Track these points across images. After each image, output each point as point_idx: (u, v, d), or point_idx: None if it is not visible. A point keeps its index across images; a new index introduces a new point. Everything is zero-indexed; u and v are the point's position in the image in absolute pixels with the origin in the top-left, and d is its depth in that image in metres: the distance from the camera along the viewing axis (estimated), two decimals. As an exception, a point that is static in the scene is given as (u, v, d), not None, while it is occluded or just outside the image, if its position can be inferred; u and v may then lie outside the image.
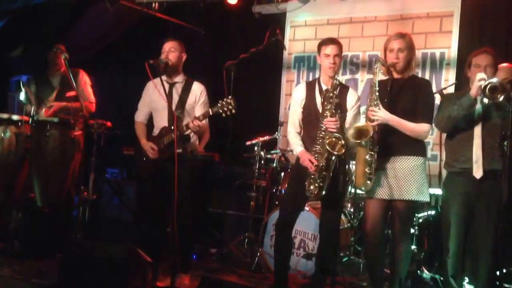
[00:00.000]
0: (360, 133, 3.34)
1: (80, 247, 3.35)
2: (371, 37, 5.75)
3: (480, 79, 3.24)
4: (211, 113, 3.67)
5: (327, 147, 3.39)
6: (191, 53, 4.07)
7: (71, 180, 4.70)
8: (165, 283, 3.69)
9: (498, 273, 3.43)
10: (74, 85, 4.41)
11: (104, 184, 6.32)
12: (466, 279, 3.63)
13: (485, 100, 3.30)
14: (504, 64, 3.93)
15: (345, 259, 4.55)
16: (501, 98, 3.15)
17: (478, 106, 3.38)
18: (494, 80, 3.17)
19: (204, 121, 3.80)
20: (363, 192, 3.60)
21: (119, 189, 6.27)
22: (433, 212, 4.49)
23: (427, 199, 3.45)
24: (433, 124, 3.55)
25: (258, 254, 4.56)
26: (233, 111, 3.59)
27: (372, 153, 3.34)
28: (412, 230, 4.31)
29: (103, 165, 6.25)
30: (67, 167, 4.65)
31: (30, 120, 4.54)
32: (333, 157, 3.42)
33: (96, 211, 6.31)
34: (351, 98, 3.64)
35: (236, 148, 5.10)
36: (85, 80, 4.85)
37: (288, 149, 4.85)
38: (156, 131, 3.94)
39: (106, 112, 5.16)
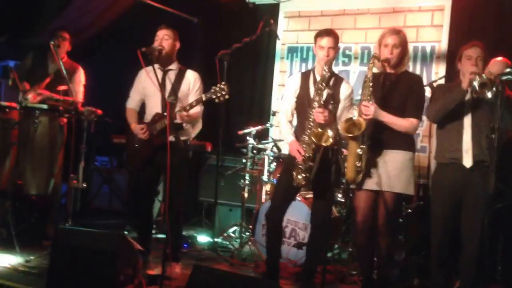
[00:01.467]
0: (353, 126, 3.36)
1: (70, 235, 3.33)
2: (364, 29, 5.77)
3: (472, 72, 3.27)
4: (204, 99, 3.66)
5: (313, 138, 3.42)
6: (184, 42, 4.05)
7: (60, 168, 4.67)
8: (156, 271, 3.69)
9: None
10: (68, 80, 4.36)
11: (93, 172, 6.29)
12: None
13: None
14: (499, 58, 3.95)
15: (335, 248, 4.58)
16: (489, 94, 3.18)
17: (468, 97, 3.41)
18: (484, 77, 3.19)
19: (198, 109, 3.79)
20: (354, 183, 3.63)
21: (109, 177, 6.25)
22: (421, 203, 4.54)
23: (412, 192, 3.53)
24: (424, 115, 3.58)
25: (250, 243, 4.57)
26: (227, 96, 3.58)
27: (363, 146, 3.37)
28: (401, 220, 4.36)
29: (92, 153, 6.21)
30: (55, 155, 4.61)
31: (19, 106, 4.49)
32: (320, 149, 3.44)
33: (85, 200, 6.30)
34: (345, 89, 3.65)
35: (228, 137, 5.10)
36: (80, 78, 4.80)
37: (280, 138, 4.86)
38: (148, 118, 3.92)
39: (96, 99, 5.12)
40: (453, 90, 3.39)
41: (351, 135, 3.36)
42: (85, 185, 4.85)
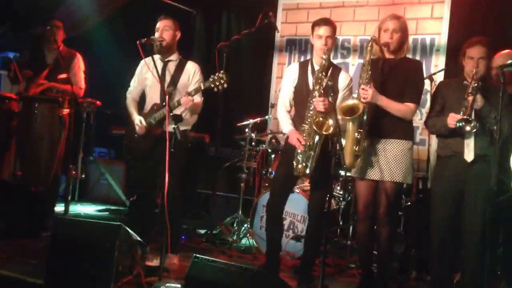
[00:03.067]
0: (350, 110, 3.37)
1: (69, 226, 3.33)
2: (363, 21, 5.75)
3: (455, 120, 3.26)
4: (203, 88, 3.64)
5: (314, 127, 3.42)
6: (183, 34, 4.03)
7: (59, 159, 4.66)
8: (154, 263, 3.69)
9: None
10: (67, 67, 4.34)
11: (92, 163, 6.29)
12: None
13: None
14: (504, 51, 3.95)
15: (333, 240, 4.59)
16: (468, 130, 3.22)
17: (471, 90, 3.39)
18: (463, 123, 3.22)
19: (199, 99, 3.77)
20: (353, 174, 3.63)
21: (108, 168, 6.25)
22: (421, 195, 4.54)
23: (411, 181, 3.57)
24: (425, 114, 3.59)
25: (248, 235, 4.58)
26: (225, 85, 3.57)
27: (361, 130, 3.37)
28: (400, 213, 4.36)
29: (91, 144, 6.21)
30: (55, 146, 4.60)
31: (19, 97, 4.47)
32: (321, 137, 3.45)
33: (84, 191, 6.30)
34: (343, 79, 3.65)
35: (226, 129, 5.09)
36: (79, 64, 4.77)
37: (278, 130, 4.85)
38: (147, 108, 3.90)
39: (96, 91, 5.10)
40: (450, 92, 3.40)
41: (348, 117, 3.36)
42: (83, 176, 4.86)
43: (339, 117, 3.39)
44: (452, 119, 3.29)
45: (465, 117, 3.23)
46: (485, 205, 3.23)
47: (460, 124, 3.23)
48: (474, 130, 3.23)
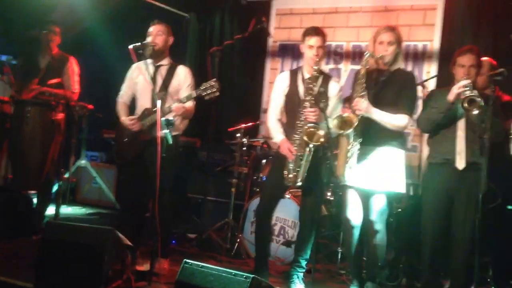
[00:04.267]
0: (344, 123, 3.37)
1: (59, 229, 3.31)
2: (356, 27, 5.77)
3: (461, 86, 3.28)
4: (194, 95, 3.65)
5: (305, 138, 3.43)
6: (175, 38, 4.04)
7: (50, 163, 4.65)
8: (145, 267, 3.68)
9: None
10: (61, 71, 4.33)
11: (83, 167, 6.27)
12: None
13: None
14: (484, 58, 3.98)
15: (324, 246, 4.59)
16: (476, 112, 3.20)
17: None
18: (474, 94, 3.21)
19: (190, 104, 3.78)
20: (345, 181, 3.64)
21: (99, 172, 6.23)
22: (412, 202, 4.55)
23: (403, 190, 3.52)
24: (416, 124, 3.60)
25: (238, 240, 4.58)
26: (217, 93, 3.58)
27: (354, 143, 3.37)
28: (391, 220, 4.37)
29: (83, 148, 6.19)
30: (47, 149, 4.59)
31: (11, 100, 4.46)
32: (311, 147, 3.45)
33: (75, 194, 6.28)
34: (333, 87, 3.66)
35: (218, 134, 5.09)
36: (73, 68, 4.75)
37: (271, 136, 4.86)
38: (138, 113, 3.90)
39: (88, 94, 5.09)
40: (441, 101, 3.41)
41: (342, 131, 3.36)
42: (74, 180, 4.84)
43: (333, 130, 3.40)
44: (456, 87, 3.26)
45: (470, 90, 3.18)
46: (474, 213, 3.24)
47: (466, 97, 3.18)
48: (478, 111, 3.17)
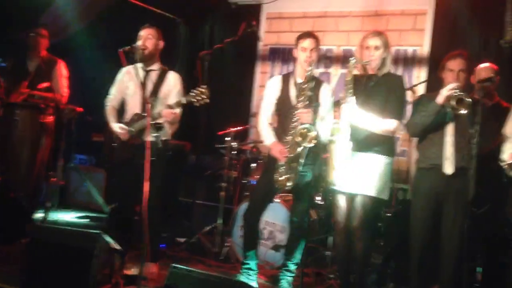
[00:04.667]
0: (335, 129, 3.39)
1: (48, 233, 3.29)
2: (346, 31, 5.79)
3: (450, 88, 3.30)
4: (184, 102, 3.65)
5: (298, 139, 3.43)
6: (166, 42, 4.03)
7: (39, 166, 4.62)
8: (133, 271, 3.67)
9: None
10: (50, 74, 4.32)
11: (72, 170, 6.23)
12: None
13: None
14: (486, 64, 4.00)
15: (313, 250, 4.60)
16: (463, 112, 3.22)
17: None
18: (463, 93, 3.23)
19: (177, 110, 3.77)
20: (333, 186, 3.65)
21: (88, 175, 6.19)
22: (400, 207, 4.57)
23: (386, 197, 3.53)
24: (405, 128, 3.62)
25: (227, 244, 4.57)
26: (207, 100, 3.58)
27: (344, 148, 3.38)
28: (380, 224, 4.39)
29: (72, 151, 6.14)
30: (36, 152, 4.56)
31: (0, 103, 4.44)
32: (304, 149, 3.46)
33: (63, 198, 6.23)
34: (325, 92, 3.67)
35: (208, 138, 5.09)
36: (61, 71, 4.73)
37: (260, 140, 4.86)
38: (127, 117, 3.89)
39: (77, 97, 5.07)
40: (429, 104, 3.43)
41: (332, 137, 3.37)
42: (63, 183, 4.81)
43: (324, 135, 3.41)
44: (445, 89, 3.28)
45: (458, 92, 3.21)
46: (463, 218, 3.26)
47: (455, 96, 3.20)
48: (466, 111, 3.20)
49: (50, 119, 4.59)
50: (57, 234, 3.24)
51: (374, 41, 3.45)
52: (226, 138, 4.93)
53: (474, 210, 3.26)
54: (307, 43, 3.58)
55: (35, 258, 3.16)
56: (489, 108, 3.66)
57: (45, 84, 4.47)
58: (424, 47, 5.44)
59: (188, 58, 6.32)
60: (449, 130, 3.45)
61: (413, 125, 3.54)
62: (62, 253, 3.11)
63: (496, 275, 3.83)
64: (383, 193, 3.48)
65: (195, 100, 3.58)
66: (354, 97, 3.38)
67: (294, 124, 3.52)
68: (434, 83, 4.18)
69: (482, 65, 3.99)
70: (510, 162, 3.29)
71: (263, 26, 6.21)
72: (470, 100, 3.20)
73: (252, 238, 3.76)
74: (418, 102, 3.71)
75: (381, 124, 3.42)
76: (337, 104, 3.76)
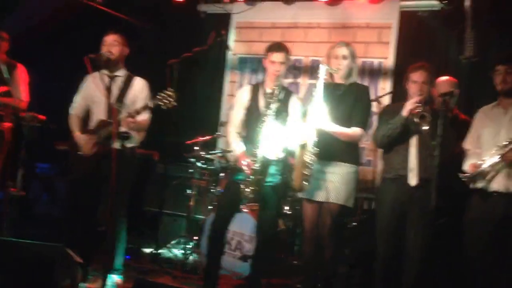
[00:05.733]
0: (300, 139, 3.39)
1: (6, 246, 3.18)
2: (314, 43, 5.85)
3: (413, 102, 3.38)
4: (150, 106, 3.60)
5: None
6: (133, 49, 3.98)
7: (-2, 175, 4.46)
8: (96, 285, 3.57)
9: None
10: (9, 79, 4.19)
11: (33, 179, 6.05)
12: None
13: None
14: (445, 77, 4.09)
15: (280, 260, 4.58)
16: (425, 128, 3.31)
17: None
18: (426, 111, 3.33)
19: (146, 116, 3.71)
20: (301, 195, 3.66)
21: (50, 185, 6.03)
22: (366, 216, 4.61)
23: (351, 205, 3.58)
24: (372, 139, 3.68)
25: (195, 255, 4.51)
26: (174, 103, 3.53)
27: (310, 155, 3.39)
28: (345, 233, 4.41)
29: (33, 159, 5.98)
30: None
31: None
32: (269, 162, 3.46)
33: (23, 208, 6.04)
34: (294, 103, 3.69)
35: (176, 147, 5.04)
36: (22, 76, 4.59)
37: (228, 149, 4.84)
38: (93, 125, 3.81)
39: (39, 105, 4.94)
40: (395, 117, 3.49)
41: (299, 145, 3.38)
42: (23, 193, 4.66)
43: (292, 144, 3.42)
44: (409, 103, 3.37)
45: (422, 107, 3.30)
46: (427, 228, 3.31)
47: (418, 113, 3.29)
48: (428, 127, 3.29)
49: (7, 125, 4.43)
50: (16, 247, 3.14)
51: (342, 51, 3.52)
52: (195, 147, 4.89)
53: (436, 220, 3.32)
54: (276, 56, 3.60)
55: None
56: (448, 119, 3.75)
57: (3, 89, 4.33)
58: (389, 60, 5.53)
59: (156, 66, 6.25)
60: (413, 142, 3.53)
61: (380, 137, 3.61)
62: (21, 266, 3.00)
63: (456, 282, 3.90)
64: (348, 201, 3.52)
65: (162, 103, 3.53)
66: (322, 104, 3.40)
67: (262, 136, 3.51)
68: (399, 95, 4.25)
69: (442, 78, 4.09)
70: (470, 174, 3.37)
71: (233, 35, 6.20)
72: (430, 116, 3.29)
73: (217, 248, 3.73)
74: (383, 113, 3.78)
75: (346, 132, 3.46)
76: (305, 113, 3.78)
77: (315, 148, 3.39)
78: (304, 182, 3.42)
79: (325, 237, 3.51)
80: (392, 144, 3.57)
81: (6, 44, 4.59)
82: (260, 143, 3.51)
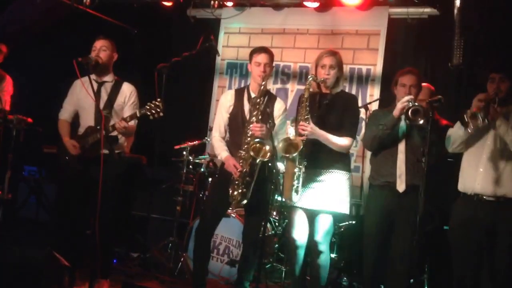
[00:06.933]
0: (290, 147, 3.40)
1: (-8, 250, 3.16)
2: (303, 49, 5.88)
3: (404, 101, 3.41)
4: (138, 115, 3.60)
5: (251, 153, 3.44)
6: (122, 53, 3.98)
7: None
8: (83, 288, 3.56)
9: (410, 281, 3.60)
10: None
11: (20, 182, 6.00)
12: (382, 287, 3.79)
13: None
14: (424, 84, 4.14)
15: (268, 266, 4.59)
16: (421, 122, 3.32)
17: (403, 124, 3.55)
18: (417, 104, 3.35)
19: (132, 123, 3.72)
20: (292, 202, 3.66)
21: (37, 188, 5.98)
22: (354, 222, 4.64)
23: (347, 211, 3.57)
24: (360, 141, 3.69)
25: (182, 259, 4.50)
26: (161, 114, 3.54)
27: (300, 166, 3.41)
28: (333, 239, 4.44)
29: (21, 162, 5.93)
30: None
31: None
32: (258, 163, 3.48)
33: (10, 211, 5.99)
34: (278, 107, 3.72)
35: (164, 151, 5.03)
36: (8, 88, 4.60)
37: (216, 154, 4.85)
38: (81, 130, 3.80)
39: (27, 108, 4.91)
40: (386, 118, 3.52)
41: (288, 155, 3.39)
42: (10, 196, 4.63)
43: (279, 153, 3.42)
44: (400, 103, 3.39)
45: (412, 103, 3.31)
46: (412, 235, 3.33)
47: (411, 108, 3.30)
48: (423, 121, 3.29)
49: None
50: (3, 251, 3.11)
51: (329, 60, 3.53)
52: (183, 152, 4.89)
53: (423, 227, 3.34)
54: (261, 57, 3.61)
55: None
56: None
57: None
58: (377, 66, 5.57)
59: (145, 71, 6.25)
60: (401, 148, 3.56)
61: (371, 139, 3.62)
62: (9, 270, 2.98)
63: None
64: (343, 208, 3.52)
65: (150, 114, 3.54)
66: (309, 115, 3.42)
67: (248, 139, 3.52)
68: (387, 101, 4.29)
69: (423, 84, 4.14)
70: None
71: (222, 40, 6.22)
72: (424, 109, 3.29)
73: (204, 252, 3.73)
74: (373, 116, 3.80)
75: (336, 141, 3.48)
76: (294, 120, 3.80)
77: (304, 160, 3.39)
78: (294, 193, 3.42)
79: (315, 245, 3.50)
80: (382, 148, 3.59)
81: (1, 57, 4.60)
82: (246, 146, 3.52)
